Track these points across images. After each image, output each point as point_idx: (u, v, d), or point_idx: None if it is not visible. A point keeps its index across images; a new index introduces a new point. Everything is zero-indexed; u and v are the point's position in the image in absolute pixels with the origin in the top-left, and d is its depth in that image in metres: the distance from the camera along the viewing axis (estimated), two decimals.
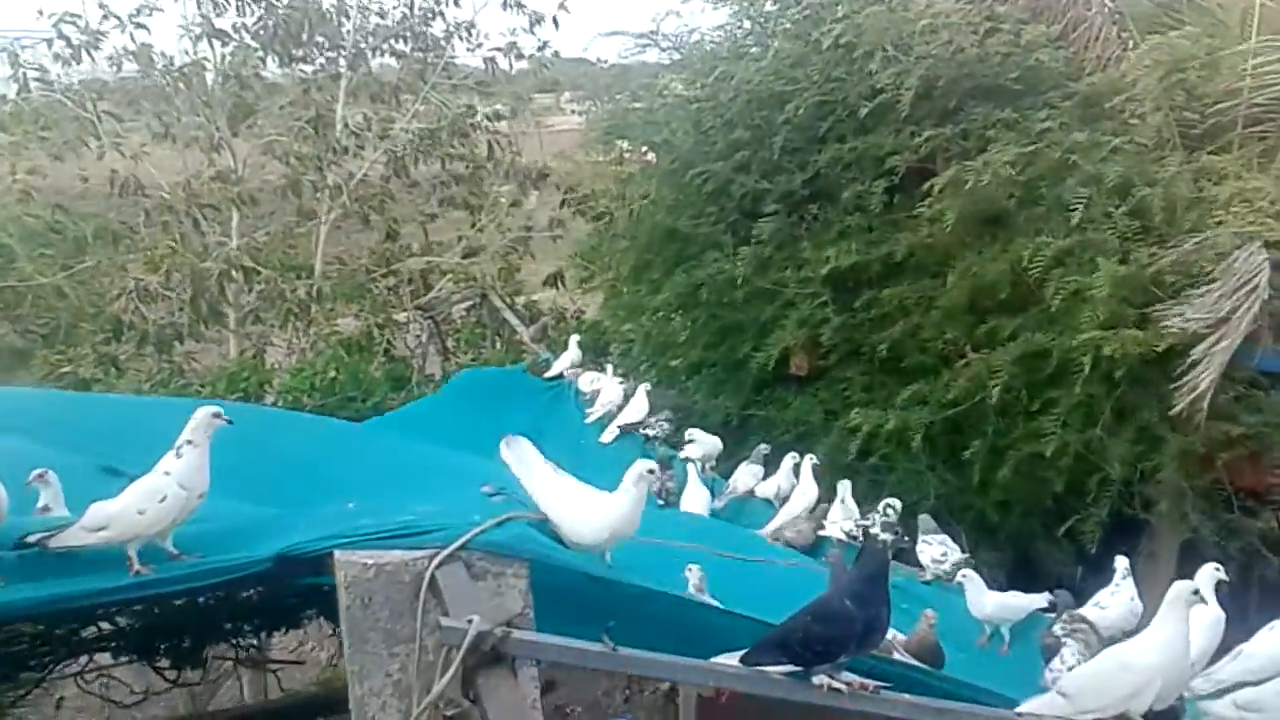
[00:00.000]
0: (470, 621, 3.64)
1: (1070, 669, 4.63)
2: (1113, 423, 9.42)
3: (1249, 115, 10.05)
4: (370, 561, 3.96)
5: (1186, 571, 10.71)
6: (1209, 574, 5.43)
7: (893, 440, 10.06)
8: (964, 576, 6.53)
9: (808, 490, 8.34)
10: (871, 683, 3.74)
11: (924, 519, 7.44)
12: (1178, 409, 8.83)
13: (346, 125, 15.14)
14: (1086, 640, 4.59)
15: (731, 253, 11.22)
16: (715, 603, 5.15)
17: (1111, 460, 9.39)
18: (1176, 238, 9.10)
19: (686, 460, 9.32)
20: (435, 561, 3.96)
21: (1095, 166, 9.47)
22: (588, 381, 11.49)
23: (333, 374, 12.69)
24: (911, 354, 10.47)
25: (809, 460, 8.66)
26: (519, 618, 4.00)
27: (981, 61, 10.47)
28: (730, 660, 3.89)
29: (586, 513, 4.58)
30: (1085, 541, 9.87)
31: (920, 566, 7.42)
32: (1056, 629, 4.89)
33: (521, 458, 4.70)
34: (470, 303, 14.54)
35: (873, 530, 3.75)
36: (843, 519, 7.89)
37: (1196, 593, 3.72)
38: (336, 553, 4.02)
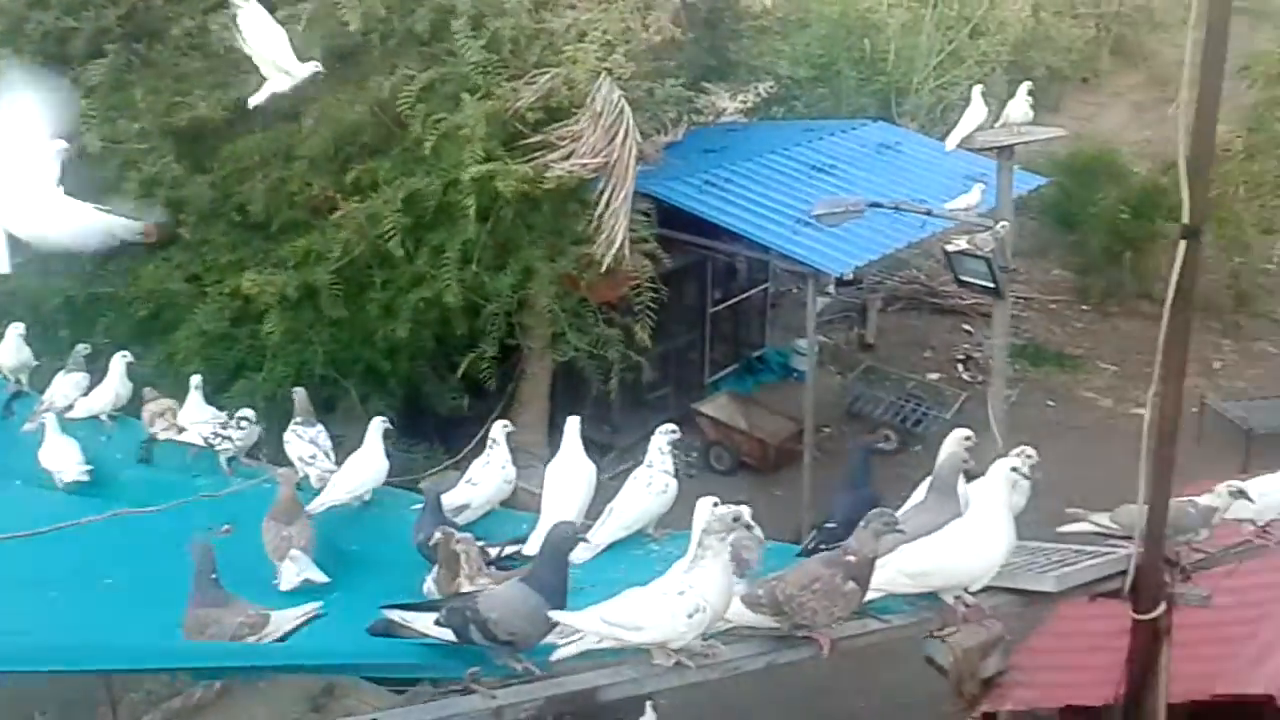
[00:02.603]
0: None
1: (471, 576, 4.32)
2: (491, 260, 9.57)
3: None
4: None
5: (564, 388, 11.79)
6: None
7: (282, 303, 9.29)
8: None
9: (114, 390, 6.63)
10: None
11: (299, 396, 6.19)
12: (603, 263, 9.26)
13: None
14: (468, 550, 4.30)
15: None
16: None
17: (492, 296, 9.60)
18: (530, 72, 9.22)
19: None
20: None
21: None
22: None
23: None
24: (279, 209, 9.62)
25: (121, 358, 6.79)
26: None
27: None
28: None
29: None
30: (473, 376, 10.16)
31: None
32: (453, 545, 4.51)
33: None
34: None
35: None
36: (200, 421, 6.33)
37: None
38: None
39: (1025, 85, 9.23)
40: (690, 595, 3.09)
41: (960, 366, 15.32)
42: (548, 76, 9.26)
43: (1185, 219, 3.59)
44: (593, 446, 11.88)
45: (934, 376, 14.99)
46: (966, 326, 16.16)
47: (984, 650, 7.97)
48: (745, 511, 3.29)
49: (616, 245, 9.40)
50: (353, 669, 3.38)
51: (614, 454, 11.52)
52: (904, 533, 3.35)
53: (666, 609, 3.09)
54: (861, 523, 3.35)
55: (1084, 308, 16.70)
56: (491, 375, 10.13)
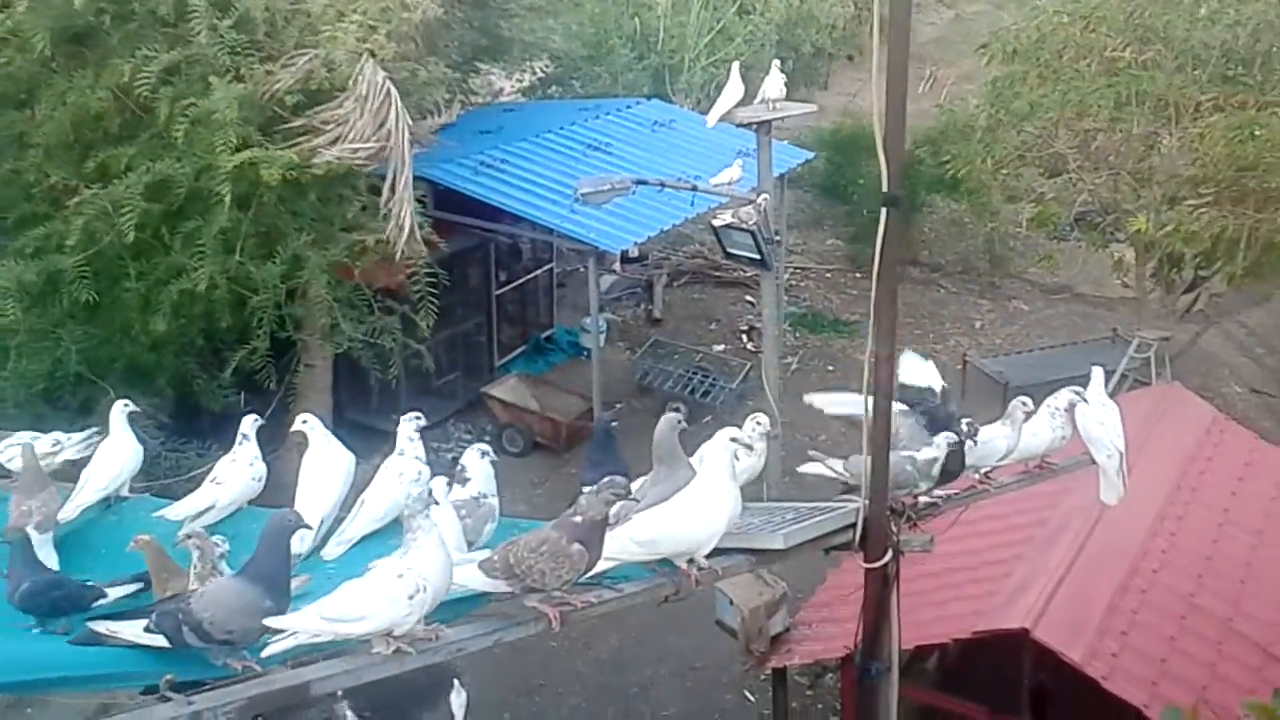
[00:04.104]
0: None
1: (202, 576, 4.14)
2: (255, 249, 9.22)
3: None
4: None
5: (348, 378, 11.49)
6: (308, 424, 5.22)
7: (20, 298, 8.67)
8: None
9: None
10: None
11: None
12: (395, 250, 9.08)
13: None
14: (203, 548, 3.95)
15: None
16: None
17: (259, 287, 9.26)
18: (286, 54, 8.91)
19: None
20: None
21: None
22: None
23: None
24: (17, 202, 9.04)
25: None
26: None
27: None
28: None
29: None
30: (246, 370, 9.80)
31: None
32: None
33: None
34: None
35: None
36: None
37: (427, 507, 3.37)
38: None
39: (776, 63, 9.53)
40: (409, 577, 3.08)
41: (745, 337, 15.78)
42: (306, 58, 8.96)
43: (884, 188, 3.78)
44: (380, 435, 11.79)
45: (720, 348, 15.42)
46: (749, 298, 16.66)
47: (770, 609, 8.31)
48: (438, 484, 3.33)
49: (408, 231, 9.22)
50: (58, 684, 3.21)
51: None
52: (636, 500, 3.44)
53: (386, 595, 3.07)
54: (593, 489, 3.42)
55: (857, 275, 17.49)
56: (265, 369, 9.79)
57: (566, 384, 13.80)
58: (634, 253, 15.64)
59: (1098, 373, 5.44)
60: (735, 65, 9.72)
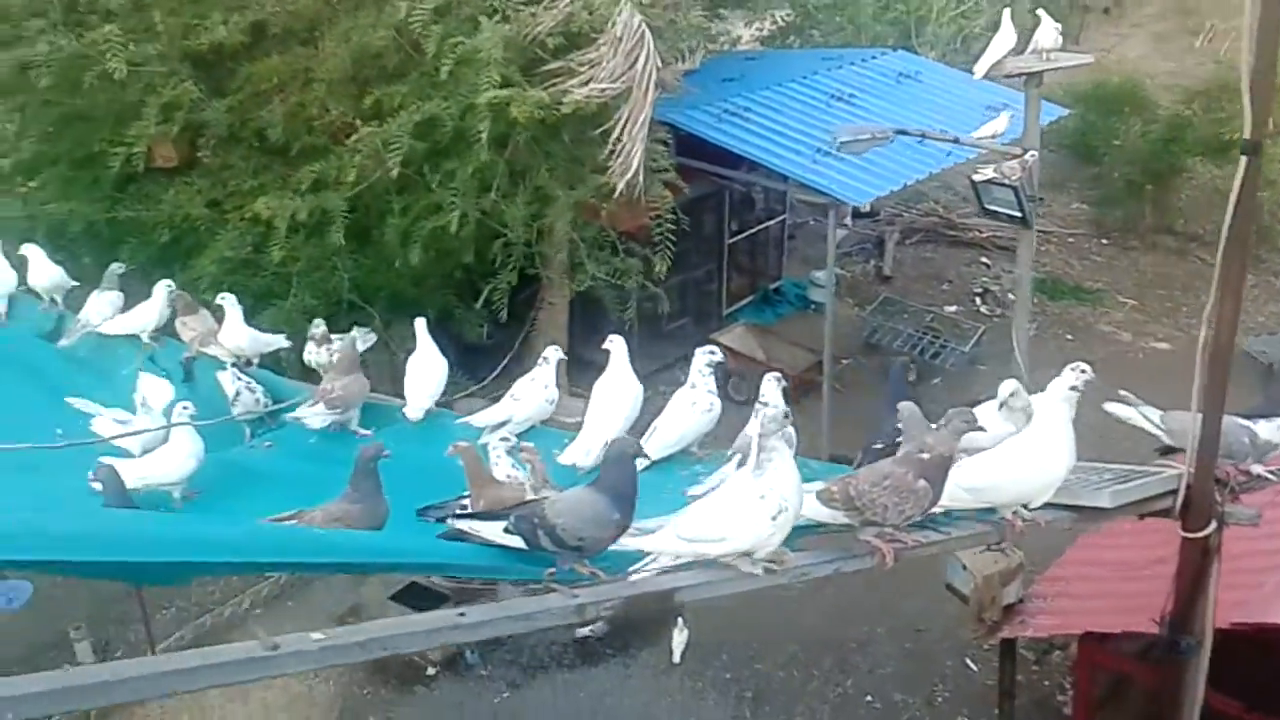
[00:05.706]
0: None
1: (535, 488, 4.27)
2: (508, 187, 9.48)
3: None
4: None
5: (582, 318, 11.75)
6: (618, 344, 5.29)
7: (303, 229, 9.21)
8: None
9: (157, 311, 6.46)
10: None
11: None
12: (617, 190, 9.13)
13: None
14: (533, 463, 4.20)
15: (63, 24, 9.12)
16: None
17: (511, 224, 9.52)
18: None
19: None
20: None
21: None
22: None
23: None
24: (299, 134, 9.54)
25: (164, 285, 6.58)
26: None
27: None
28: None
29: None
30: (496, 305, 10.15)
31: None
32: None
33: None
34: None
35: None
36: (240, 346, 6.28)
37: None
38: None
39: (1043, 13, 9.02)
40: (771, 497, 3.05)
41: (978, 300, 15.27)
42: (566, 1, 9.09)
43: (1246, 134, 3.51)
44: None
45: (952, 309, 14.94)
46: (984, 259, 16.08)
47: (1005, 578, 8.05)
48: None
49: (631, 172, 9.27)
50: (439, 568, 3.50)
51: None
52: (983, 428, 3.33)
53: (750, 515, 3.07)
54: (940, 421, 3.33)
55: (1103, 241, 16.59)
56: (506, 304, 10.07)
57: (792, 336, 13.70)
58: (865, 208, 15.28)
59: None
60: (1007, 12, 9.26)
